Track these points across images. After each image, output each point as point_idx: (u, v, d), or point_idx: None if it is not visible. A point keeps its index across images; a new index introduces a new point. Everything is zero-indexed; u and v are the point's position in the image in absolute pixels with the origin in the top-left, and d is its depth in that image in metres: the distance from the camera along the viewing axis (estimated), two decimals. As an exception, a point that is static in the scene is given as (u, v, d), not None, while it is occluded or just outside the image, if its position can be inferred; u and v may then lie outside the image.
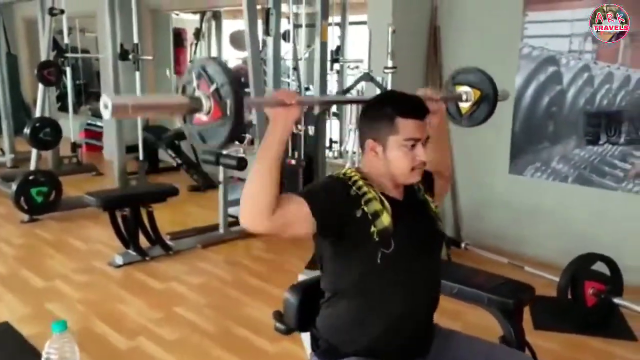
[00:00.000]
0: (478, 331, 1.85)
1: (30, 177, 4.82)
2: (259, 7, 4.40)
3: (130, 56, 5.39)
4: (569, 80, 3.69)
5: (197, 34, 8.65)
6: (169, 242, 4.18)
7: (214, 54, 8.38)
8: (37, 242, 4.44)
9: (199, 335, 2.97)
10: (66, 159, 6.63)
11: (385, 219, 1.47)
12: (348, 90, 4.33)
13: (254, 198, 1.35)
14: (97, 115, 7.89)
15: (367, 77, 3.70)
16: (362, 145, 1.59)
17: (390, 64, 3.37)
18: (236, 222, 4.64)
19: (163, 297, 3.44)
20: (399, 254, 1.46)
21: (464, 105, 1.92)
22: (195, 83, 1.28)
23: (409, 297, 1.54)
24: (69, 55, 6.23)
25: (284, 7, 4.68)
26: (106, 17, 5.31)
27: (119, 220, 3.90)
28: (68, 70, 6.19)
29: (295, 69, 4.75)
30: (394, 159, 1.51)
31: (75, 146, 6.60)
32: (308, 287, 1.72)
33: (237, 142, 6.42)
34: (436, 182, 1.76)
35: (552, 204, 3.90)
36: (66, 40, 6.24)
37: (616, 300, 2.92)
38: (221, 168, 4.40)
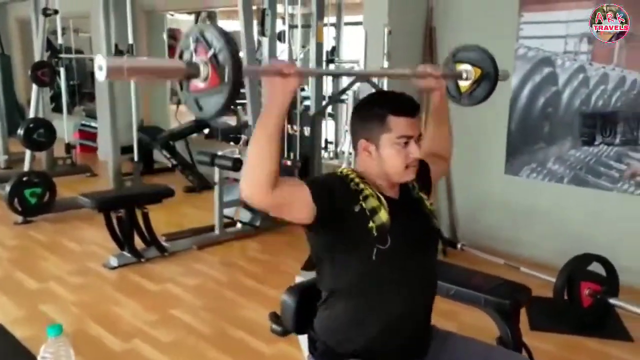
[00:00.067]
0: (474, 332, 1.85)
1: (24, 178, 4.79)
2: (254, 7, 4.40)
3: (125, 57, 5.37)
4: (564, 81, 3.70)
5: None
6: (165, 244, 4.16)
7: (208, 54, 8.37)
8: (31, 243, 4.42)
9: (195, 337, 2.95)
10: (60, 160, 6.59)
11: (383, 215, 1.47)
12: (344, 91, 4.34)
13: (254, 170, 1.33)
14: (92, 115, 7.87)
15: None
16: (355, 146, 1.59)
17: (386, 64, 3.38)
18: (232, 223, 4.64)
19: (158, 299, 3.42)
20: (394, 250, 1.46)
21: (464, 84, 1.90)
22: (192, 48, 1.26)
23: (406, 296, 1.53)
24: (63, 55, 6.20)
25: (279, 8, 4.68)
26: (100, 18, 5.30)
27: (114, 221, 3.88)
28: (62, 70, 6.16)
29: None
30: (388, 158, 1.51)
31: (69, 147, 6.57)
32: (305, 289, 1.71)
33: (232, 143, 6.45)
34: (432, 166, 1.76)
35: (548, 205, 3.91)
36: (60, 40, 6.21)
37: (612, 301, 2.93)
38: (216, 169, 4.38)
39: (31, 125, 5.20)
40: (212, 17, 7.94)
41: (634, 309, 2.87)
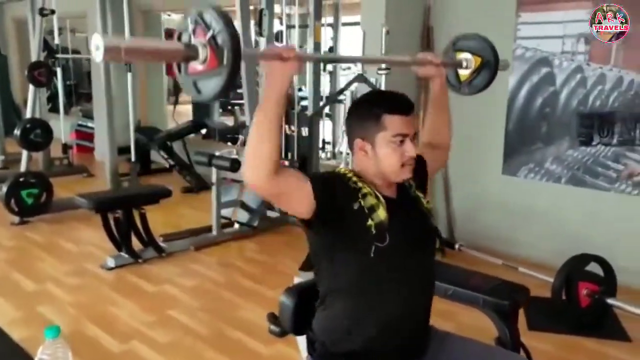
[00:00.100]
0: (472, 332, 1.85)
1: (21, 179, 4.78)
2: (252, 7, 4.39)
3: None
4: (562, 82, 3.70)
5: (189, 34, 8.62)
6: (162, 244, 4.15)
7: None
8: (27, 244, 4.40)
9: (192, 338, 2.94)
10: (57, 161, 6.58)
11: (382, 213, 1.47)
12: (342, 91, 4.34)
13: (256, 155, 1.34)
14: (88, 116, 7.85)
15: (361, 77, 3.70)
16: (351, 145, 1.59)
17: (383, 65, 3.37)
18: (229, 224, 4.63)
19: (156, 300, 3.41)
20: (393, 248, 1.46)
21: (464, 73, 1.89)
22: (191, 29, 1.24)
23: (405, 296, 1.53)
24: (59, 55, 6.19)
25: (276, 8, 4.67)
26: (97, 18, 5.28)
27: (111, 222, 3.87)
28: (59, 71, 6.14)
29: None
30: (384, 157, 1.51)
31: (66, 147, 6.56)
32: (304, 290, 1.70)
33: (229, 144, 6.44)
34: (430, 159, 1.76)
35: (545, 205, 3.91)
36: (57, 40, 6.20)
37: (610, 301, 2.93)
38: (214, 169, 4.38)
39: (28, 126, 5.18)
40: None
41: (631, 309, 2.88)
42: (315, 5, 4.37)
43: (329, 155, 6.07)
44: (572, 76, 3.66)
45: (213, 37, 1.20)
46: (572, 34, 3.61)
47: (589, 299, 2.93)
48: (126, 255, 3.91)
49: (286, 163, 4.67)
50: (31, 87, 5.48)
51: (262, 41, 4.73)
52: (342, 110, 6.10)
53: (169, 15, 7.94)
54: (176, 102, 8.51)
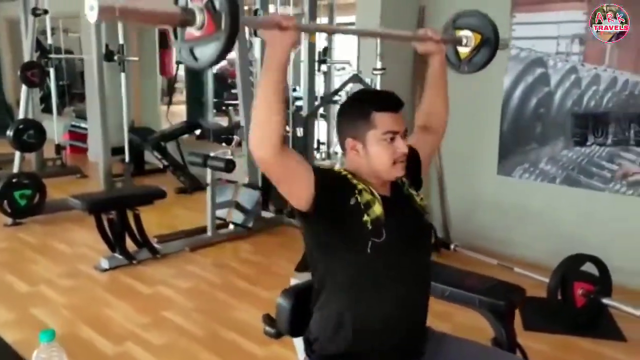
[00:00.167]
0: (468, 332, 1.85)
1: (14, 180, 4.74)
2: (246, 8, 4.38)
3: (116, 57, 5.33)
4: (556, 82, 3.71)
5: (183, 35, 8.59)
6: (156, 245, 4.13)
7: (200, 55, 8.34)
8: (20, 246, 4.37)
9: (187, 340, 2.93)
10: (50, 161, 6.54)
11: (377, 209, 1.47)
12: (337, 91, 4.34)
13: (262, 127, 1.34)
14: (82, 116, 7.81)
15: (356, 78, 3.70)
16: (342, 145, 1.60)
17: (379, 65, 3.37)
18: (224, 225, 4.62)
19: (150, 301, 3.39)
20: (389, 245, 1.46)
21: (464, 50, 1.88)
22: None
23: (402, 294, 1.53)
24: (52, 56, 6.15)
25: (271, 8, 4.66)
26: (91, 18, 5.24)
27: (105, 223, 3.84)
28: (51, 71, 6.11)
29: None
30: (375, 155, 1.52)
31: (59, 148, 6.52)
32: (300, 292, 1.69)
33: (224, 144, 6.42)
34: (424, 145, 1.75)
35: (540, 205, 3.92)
36: (49, 40, 6.16)
37: (605, 301, 2.93)
38: (209, 170, 4.36)
39: (21, 126, 5.15)
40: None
41: (626, 308, 2.88)
42: (310, 6, 4.36)
43: (323, 155, 6.06)
44: (566, 77, 3.66)
45: (210, 1, 1.17)
46: (566, 35, 3.62)
47: (584, 299, 2.94)
48: (120, 257, 3.89)
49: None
50: (24, 88, 5.45)
51: (257, 41, 4.73)
52: (336, 110, 6.10)
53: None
54: (170, 103, 8.46)
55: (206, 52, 1.22)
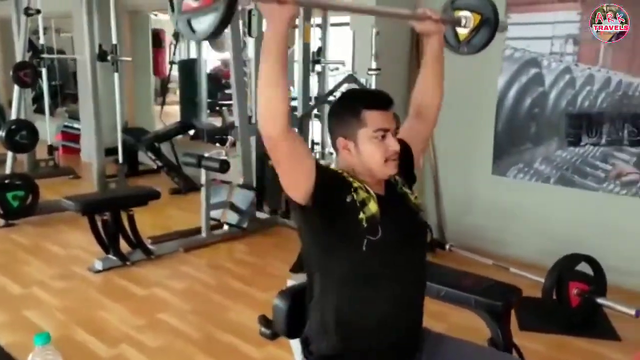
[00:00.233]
0: (463, 333, 1.85)
1: (6, 181, 4.72)
2: (240, 8, 4.37)
3: (109, 57, 5.31)
4: (550, 82, 3.72)
5: (177, 35, 8.56)
6: (151, 247, 4.11)
7: (193, 55, 8.32)
8: (13, 247, 4.33)
9: (183, 342, 2.92)
10: (43, 162, 6.48)
11: (373, 207, 1.47)
12: (332, 91, 4.33)
13: (270, 104, 1.35)
14: (74, 117, 7.77)
15: (352, 78, 3.70)
16: (334, 145, 1.60)
17: (374, 65, 3.38)
18: (219, 226, 4.60)
19: (145, 303, 3.38)
20: (385, 243, 1.46)
21: (463, 31, 1.86)
22: None
23: (398, 293, 1.53)
24: (45, 56, 6.11)
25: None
26: (84, 18, 5.22)
27: (99, 224, 3.82)
28: (44, 71, 6.07)
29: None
30: (367, 153, 1.52)
31: (52, 149, 6.48)
32: (297, 293, 1.69)
33: (218, 145, 6.40)
34: (416, 135, 1.75)
35: (534, 205, 3.93)
36: (42, 40, 6.12)
37: (600, 300, 2.94)
38: (203, 171, 4.34)
39: (13, 127, 5.12)
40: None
41: (621, 308, 2.89)
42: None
43: (318, 156, 6.04)
44: (560, 77, 3.67)
45: None
46: (560, 35, 3.63)
47: (579, 298, 2.95)
48: (114, 258, 3.87)
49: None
50: (16, 88, 5.42)
51: (251, 41, 4.71)
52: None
53: (155, 15, 7.88)
54: (163, 103, 8.44)
55: (204, 22, 1.20)
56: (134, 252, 3.99)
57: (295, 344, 1.70)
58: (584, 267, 3.02)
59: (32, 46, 6.24)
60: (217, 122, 7.91)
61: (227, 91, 8.99)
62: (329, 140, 5.94)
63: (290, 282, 2.09)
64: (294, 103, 4.81)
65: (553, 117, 3.75)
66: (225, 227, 4.59)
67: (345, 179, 1.51)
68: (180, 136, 6.73)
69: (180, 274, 3.84)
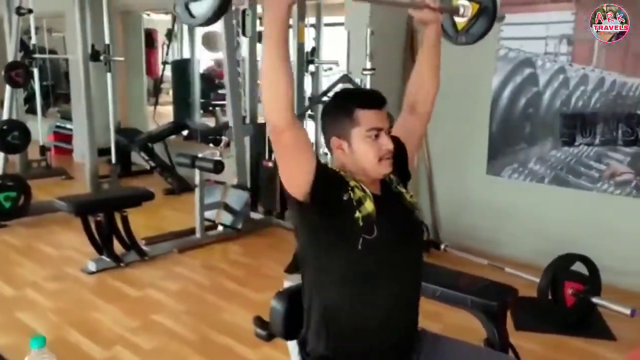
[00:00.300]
0: (459, 333, 1.85)
1: (-2, 182, 4.67)
2: (234, 8, 4.36)
3: (102, 57, 5.27)
4: (545, 82, 3.72)
5: (169, 34, 8.54)
6: (145, 248, 4.08)
7: (186, 55, 8.29)
8: (5, 248, 4.29)
9: (178, 343, 2.90)
10: (35, 163, 6.44)
11: (369, 206, 1.47)
12: (327, 91, 4.32)
13: (272, 89, 1.34)
14: (67, 117, 7.73)
15: (346, 78, 3.69)
16: (328, 145, 1.60)
17: (368, 65, 3.37)
18: (213, 226, 4.59)
19: (139, 304, 3.36)
20: (380, 242, 1.46)
21: (461, 21, 1.85)
22: None
23: (396, 292, 1.53)
24: (37, 55, 6.07)
25: (259, 8, 4.64)
26: (76, 18, 5.20)
27: (92, 225, 3.80)
28: (35, 71, 6.03)
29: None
30: (361, 152, 1.52)
31: (44, 149, 6.43)
32: (294, 294, 1.68)
33: (211, 145, 6.38)
34: (412, 125, 1.74)
35: (529, 205, 3.93)
36: (33, 40, 6.08)
37: (595, 300, 2.95)
38: (197, 171, 4.32)
39: (5, 128, 5.08)
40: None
41: (616, 307, 2.89)
42: (298, 6, 4.35)
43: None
44: (555, 77, 3.68)
45: None
46: (554, 35, 3.64)
47: (574, 298, 2.95)
48: (108, 259, 3.84)
49: (270, 164, 4.65)
50: (8, 88, 5.38)
51: (245, 41, 4.70)
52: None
53: (148, 15, 7.85)
54: (156, 103, 8.41)
55: (202, 6, 1.18)
56: (128, 253, 3.97)
57: (293, 345, 1.69)
58: (578, 267, 3.03)
59: (23, 46, 6.20)
60: (211, 122, 7.89)
61: (220, 91, 8.98)
62: (322, 141, 5.97)
63: (286, 284, 2.08)
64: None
65: (547, 117, 3.76)
66: (220, 227, 4.58)
67: (343, 178, 1.51)
68: (173, 136, 6.70)
69: (175, 275, 3.82)
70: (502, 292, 2.10)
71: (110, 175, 5.50)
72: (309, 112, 6.17)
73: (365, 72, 3.40)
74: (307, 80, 5.85)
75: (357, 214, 1.45)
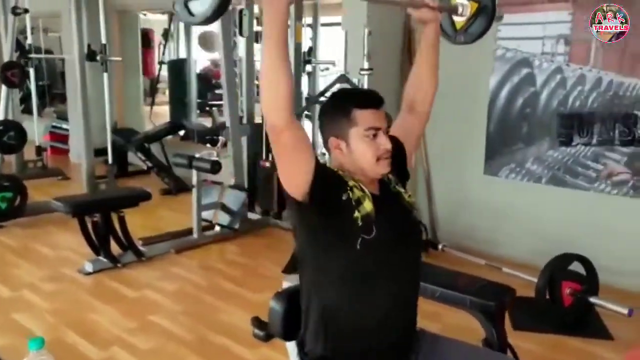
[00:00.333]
0: (457, 333, 1.85)
1: (-6, 183, 4.65)
2: (231, 7, 4.35)
3: (98, 57, 5.26)
4: (542, 82, 3.73)
5: (166, 34, 8.53)
6: (142, 248, 4.07)
7: (182, 55, 8.28)
8: (1, 249, 4.27)
9: (175, 344, 2.89)
10: (31, 163, 6.41)
11: (368, 205, 1.47)
12: (324, 92, 4.32)
13: (271, 88, 1.33)
14: (63, 117, 7.70)
15: (344, 78, 3.69)
16: (326, 145, 1.59)
17: (366, 65, 3.37)
18: (210, 227, 4.58)
19: (136, 305, 3.35)
20: (379, 241, 1.46)
21: (459, 20, 1.84)
22: None
23: (395, 292, 1.53)
24: (33, 55, 6.05)
25: (255, 9, 4.64)
26: (73, 17, 5.17)
27: (89, 226, 3.78)
28: (31, 71, 6.01)
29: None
30: (359, 152, 1.51)
31: (40, 149, 6.41)
32: (293, 294, 1.67)
33: (208, 145, 6.37)
34: (410, 125, 1.74)
35: (526, 205, 3.94)
36: (29, 40, 6.06)
37: (592, 300, 2.95)
38: (194, 171, 4.32)
39: (1, 128, 5.07)
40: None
41: (613, 307, 2.90)
42: (295, 6, 4.34)
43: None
44: (552, 77, 3.69)
45: None
46: (552, 35, 3.64)
47: (572, 298, 2.95)
48: (105, 260, 3.83)
49: (267, 164, 4.64)
50: (4, 88, 5.37)
51: (242, 41, 4.69)
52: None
53: (144, 15, 7.84)
54: (153, 103, 8.39)
55: (202, 5, 1.17)
56: (125, 254, 3.96)
57: (291, 346, 1.69)
58: (576, 267, 3.03)
59: (19, 46, 6.19)
60: (207, 122, 7.88)
61: (217, 91, 8.96)
62: (320, 141, 5.96)
63: (285, 284, 2.08)
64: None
65: (545, 117, 3.76)
66: (217, 228, 4.57)
67: (342, 178, 1.51)
68: (170, 137, 6.69)
69: (172, 275, 3.81)
70: (500, 292, 2.10)
71: (107, 175, 5.48)
72: (306, 112, 6.18)
73: (362, 72, 3.40)
74: (304, 80, 5.85)
75: (356, 214, 1.45)
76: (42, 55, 7.59)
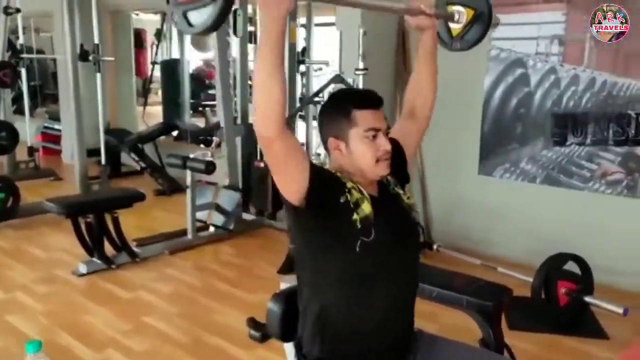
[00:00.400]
0: (454, 333, 1.85)
1: (-14, 183, 4.62)
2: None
3: (91, 57, 5.23)
4: (536, 82, 3.74)
5: (158, 34, 8.51)
6: (136, 249, 4.05)
7: (175, 55, 8.26)
8: (-7, 251, 4.25)
9: (170, 346, 2.88)
10: (23, 164, 6.37)
11: (367, 208, 1.46)
12: (319, 92, 4.32)
13: (264, 98, 1.32)
14: (55, 117, 7.66)
15: (339, 78, 3.69)
16: (325, 146, 1.59)
17: (361, 65, 3.37)
18: (204, 227, 4.56)
19: (131, 307, 3.33)
20: (378, 244, 1.45)
21: (456, 27, 1.84)
22: None
23: (394, 294, 1.53)
24: (24, 55, 6.01)
25: (249, 9, 4.63)
26: (65, 17, 5.14)
27: (83, 227, 3.75)
28: (23, 71, 5.97)
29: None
30: (358, 153, 1.51)
31: (32, 150, 6.37)
32: (290, 295, 1.66)
33: (202, 146, 6.35)
34: (410, 130, 1.75)
35: (521, 205, 3.95)
36: (21, 40, 6.02)
37: (587, 299, 2.96)
38: (188, 172, 4.30)
39: (-8, 129, 5.03)
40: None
41: (608, 306, 2.90)
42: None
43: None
44: (546, 77, 3.70)
45: None
46: (546, 35, 3.65)
47: (567, 297, 2.96)
48: (98, 261, 3.80)
49: (262, 165, 4.63)
50: (-5, 88, 5.32)
51: (236, 41, 4.68)
52: (317, 111, 6.08)
53: (137, 14, 7.81)
54: (145, 104, 8.36)
55: (201, 16, 1.15)
56: (119, 255, 3.94)
57: (289, 347, 1.68)
58: (571, 267, 3.04)
59: (11, 46, 6.15)
60: (200, 122, 7.86)
61: (210, 92, 8.94)
62: (314, 142, 5.95)
63: (283, 285, 2.06)
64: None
65: (539, 117, 3.77)
66: (211, 228, 4.55)
67: (340, 180, 1.50)
68: (163, 137, 6.66)
69: (166, 276, 3.79)
70: (497, 292, 2.10)
71: (100, 176, 5.45)
72: (300, 112, 6.17)
73: (358, 72, 3.40)
74: (298, 80, 5.85)
75: (355, 216, 1.45)
76: (34, 55, 7.55)
